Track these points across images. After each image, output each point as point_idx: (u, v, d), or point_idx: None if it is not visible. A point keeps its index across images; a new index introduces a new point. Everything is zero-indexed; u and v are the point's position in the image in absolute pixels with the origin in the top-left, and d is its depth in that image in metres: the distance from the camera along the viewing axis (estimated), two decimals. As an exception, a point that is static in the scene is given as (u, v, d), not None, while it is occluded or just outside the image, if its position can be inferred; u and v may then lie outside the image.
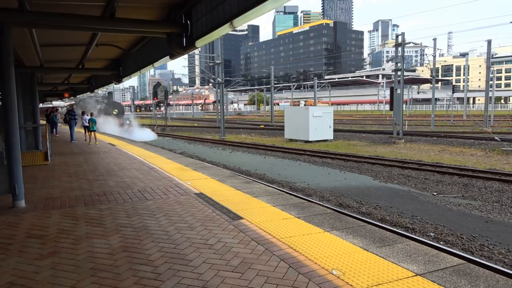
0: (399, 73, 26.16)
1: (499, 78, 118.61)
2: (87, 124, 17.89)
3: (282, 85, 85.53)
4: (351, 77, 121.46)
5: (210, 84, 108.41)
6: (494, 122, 39.06)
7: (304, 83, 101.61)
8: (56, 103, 47.51)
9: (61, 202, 6.39)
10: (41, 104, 46.54)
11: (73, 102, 44.38)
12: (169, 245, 4.27)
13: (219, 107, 37.80)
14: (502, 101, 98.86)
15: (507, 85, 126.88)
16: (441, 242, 7.04)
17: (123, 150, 14.43)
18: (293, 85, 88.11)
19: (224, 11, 6.43)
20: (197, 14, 7.52)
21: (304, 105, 54.41)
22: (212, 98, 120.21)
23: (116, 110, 34.54)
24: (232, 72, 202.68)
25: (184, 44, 7.96)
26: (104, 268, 3.70)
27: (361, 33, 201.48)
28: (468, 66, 53.43)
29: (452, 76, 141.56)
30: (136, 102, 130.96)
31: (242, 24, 6.21)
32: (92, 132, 17.48)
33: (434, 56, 37.22)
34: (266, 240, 4.39)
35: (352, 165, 15.52)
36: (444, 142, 22.96)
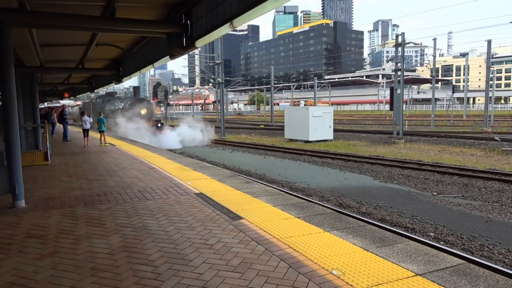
0: (399, 73, 26.15)
1: (499, 78, 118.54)
2: (87, 127, 16.52)
3: (282, 85, 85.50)
4: (351, 77, 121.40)
5: (210, 84, 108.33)
6: (494, 122, 39.05)
7: (304, 83, 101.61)
8: (64, 102, 44.89)
9: (61, 202, 6.39)
10: (45, 104, 45.90)
11: (88, 101, 42.91)
12: (169, 245, 4.27)
13: (219, 107, 37.74)
14: (502, 101, 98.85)
15: (507, 85, 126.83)
16: (441, 242, 7.04)
17: (123, 150, 14.43)
18: (293, 85, 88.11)
19: (224, 11, 6.43)
20: (197, 14, 7.53)
21: (304, 105, 54.40)
22: (212, 98, 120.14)
23: (145, 110, 25.40)
24: (232, 72, 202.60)
25: (184, 44, 7.97)
26: (104, 268, 3.70)
27: (361, 33, 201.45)
28: (468, 66, 53.43)
29: (452, 76, 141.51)
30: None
31: (242, 24, 6.22)
32: (101, 134, 16.41)
33: (434, 56, 37.23)
34: (266, 240, 4.38)
35: (352, 165, 15.52)
36: (444, 142, 22.96)
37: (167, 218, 5.32)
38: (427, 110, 77.04)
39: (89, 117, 17.21)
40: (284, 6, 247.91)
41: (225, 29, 6.59)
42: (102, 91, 37.80)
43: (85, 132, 16.43)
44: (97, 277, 3.49)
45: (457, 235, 7.39)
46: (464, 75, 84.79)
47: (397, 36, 28.04)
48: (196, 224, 5.04)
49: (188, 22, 7.79)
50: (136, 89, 28.89)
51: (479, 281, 3.30)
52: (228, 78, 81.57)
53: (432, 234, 7.48)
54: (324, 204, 9.08)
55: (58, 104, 41.57)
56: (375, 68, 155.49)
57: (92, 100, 35.82)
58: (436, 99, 45.47)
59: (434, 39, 37.10)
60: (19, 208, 6.06)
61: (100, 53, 13.10)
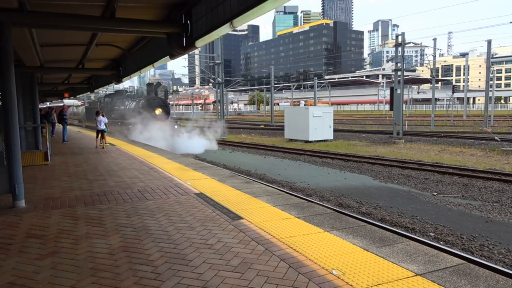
0: (399, 73, 26.15)
1: (499, 78, 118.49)
2: (102, 128, 15.14)
3: (282, 85, 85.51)
4: (351, 77, 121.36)
5: (210, 84, 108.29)
6: (494, 122, 39.05)
7: (304, 83, 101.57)
8: (69, 102, 43.01)
9: (61, 202, 6.39)
10: (48, 103, 45.64)
11: (89, 100, 42.16)
12: (169, 245, 4.27)
13: (219, 107, 37.70)
14: (502, 101, 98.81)
15: (507, 85, 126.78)
16: (441, 242, 7.04)
17: (123, 150, 14.43)
18: (293, 85, 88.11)
19: (224, 11, 6.44)
20: (197, 14, 7.53)
21: (304, 105, 54.40)
22: (212, 98, 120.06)
23: (160, 110, 22.65)
24: (232, 72, 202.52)
25: (184, 44, 7.97)
26: (104, 268, 3.70)
27: (361, 33, 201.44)
28: (468, 66, 53.40)
29: (452, 76, 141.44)
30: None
31: (242, 24, 6.23)
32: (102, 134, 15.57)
33: (434, 56, 37.23)
34: (266, 240, 4.38)
35: (352, 165, 15.52)
36: (444, 142, 22.96)
37: (167, 218, 5.32)
38: (427, 110, 77.04)
39: (104, 117, 15.65)
40: (284, 6, 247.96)
41: (225, 29, 6.60)
42: (102, 91, 37.19)
43: (99, 133, 15.25)
44: (97, 277, 3.49)
45: (457, 235, 7.39)
46: (464, 75, 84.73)
47: (397, 36, 28.04)
48: (196, 224, 5.04)
49: (188, 22, 7.79)
50: (149, 86, 25.20)
51: (479, 281, 3.29)
52: (228, 78, 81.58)
53: (432, 234, 7.48)
54: (324, 204, 9.08)
55: (61, 104, 40.87)
56: (375, 68, 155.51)
57: (100, 99, 33.40)
58: (436, 99, 45.48)
59: (434, 39, 37.10)
60: (19, 208, 6.06)
61: (100, 53, 13.10)
